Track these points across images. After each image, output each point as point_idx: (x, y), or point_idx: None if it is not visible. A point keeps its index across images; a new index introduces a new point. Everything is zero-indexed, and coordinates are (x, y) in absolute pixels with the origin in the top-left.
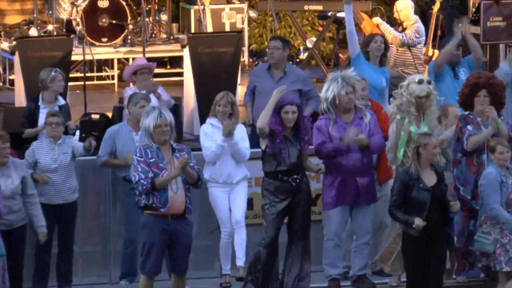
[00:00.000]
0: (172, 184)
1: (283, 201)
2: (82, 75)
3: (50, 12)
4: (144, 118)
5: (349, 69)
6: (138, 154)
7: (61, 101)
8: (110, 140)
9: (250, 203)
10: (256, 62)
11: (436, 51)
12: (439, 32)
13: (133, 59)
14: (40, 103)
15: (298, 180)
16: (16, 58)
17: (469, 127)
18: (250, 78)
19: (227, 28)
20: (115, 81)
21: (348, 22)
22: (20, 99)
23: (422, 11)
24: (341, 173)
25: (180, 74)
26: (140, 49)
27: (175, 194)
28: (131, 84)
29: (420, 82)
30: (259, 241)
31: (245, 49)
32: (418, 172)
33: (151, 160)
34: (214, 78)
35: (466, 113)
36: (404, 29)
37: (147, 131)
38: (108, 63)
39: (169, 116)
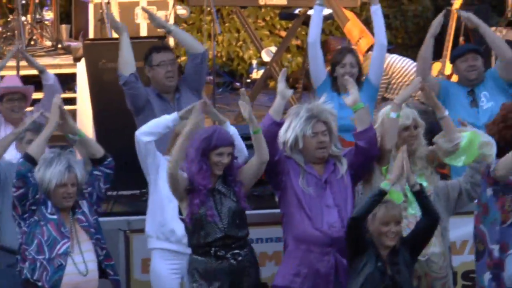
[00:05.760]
0: (75, 256)
1: None
2: None
3: None
4: (42, 167)
5: (321, 98)
6: None
7: None
8: None
9: None
10: None
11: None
12: (461, 39)
13: (1, 78)
14: None
15: (241, 258)
16: None
17: None
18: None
19: (144, 32)
20: None
21: (312, 28)
22: None
23: (437, 8)
24: (306, 242)
25: (72, 101)
26: (12, 63)
27: (84, 278)
28: None
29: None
30: None
31: None
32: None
33: (51, 217)
34: (122, 107)
35: None
36: None
37: (45, 187)
38: None
39: (80, 171)
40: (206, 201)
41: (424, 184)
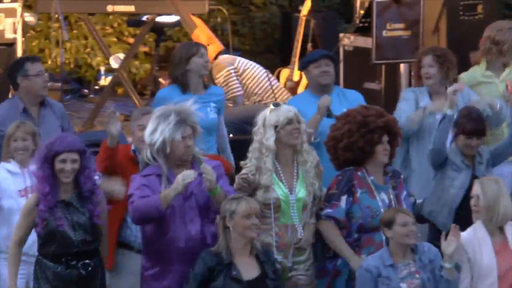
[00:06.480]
0: None
1: None
2: None
3: None
4: None
5: (189, 101)
6: None
7: None
8: None
9: None
10: None
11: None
12: (309, 46)
13: None
14: None
15: (90, 268)
16: None
17: (347, 198)
18: None
19: None
20: None
21: None
22: None
23: (284, 15)
24: (165, 259)
25: None
26: None
27: None
28: None
29: (277, 105)
30: None
31: None
32: (229, 255)
33: None
34: None
35: (349, 168)
36: None
37: None
38: None
39: None
40: (55, 211)
41: (304, 194)
